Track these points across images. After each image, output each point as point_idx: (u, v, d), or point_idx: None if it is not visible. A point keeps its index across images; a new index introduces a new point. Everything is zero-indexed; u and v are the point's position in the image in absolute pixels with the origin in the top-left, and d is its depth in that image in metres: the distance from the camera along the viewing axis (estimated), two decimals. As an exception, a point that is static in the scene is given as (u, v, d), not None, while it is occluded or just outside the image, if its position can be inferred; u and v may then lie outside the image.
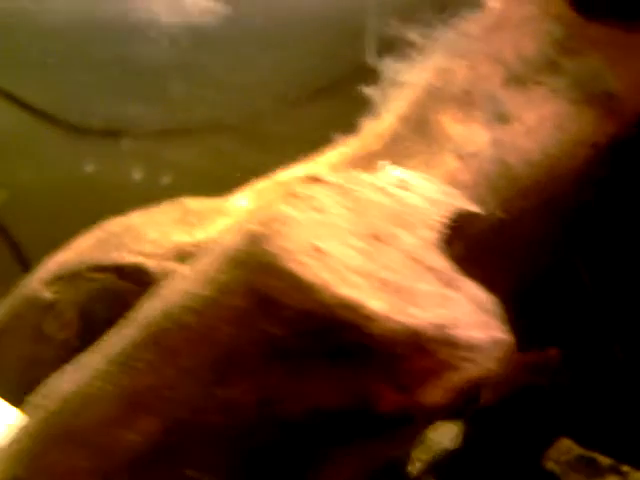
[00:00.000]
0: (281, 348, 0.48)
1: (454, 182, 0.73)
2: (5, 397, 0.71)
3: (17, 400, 0.73)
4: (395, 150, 0.80)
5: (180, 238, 0.77)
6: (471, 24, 0.85)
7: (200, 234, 0.77)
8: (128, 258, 0.76)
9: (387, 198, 0.56)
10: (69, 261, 0.76)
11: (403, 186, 0.59)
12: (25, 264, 1.15)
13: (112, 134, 1.18)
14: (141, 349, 0.51)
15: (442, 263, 0.55)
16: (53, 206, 1.18)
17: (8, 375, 0.74)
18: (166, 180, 1.21)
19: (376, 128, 0.81)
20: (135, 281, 0.76)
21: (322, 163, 0.80)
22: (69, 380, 0.55)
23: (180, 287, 0.54)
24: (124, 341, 0.54)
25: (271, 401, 0.49)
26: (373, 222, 0.54)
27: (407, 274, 0.51)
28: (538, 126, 0.73)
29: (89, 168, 1.19)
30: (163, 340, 0.51)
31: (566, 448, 0.93)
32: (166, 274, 0.77)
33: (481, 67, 0.80)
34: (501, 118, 0.76)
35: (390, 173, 0.61)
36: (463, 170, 0.73)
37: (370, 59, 1.13)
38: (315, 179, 0.57)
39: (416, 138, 0.79)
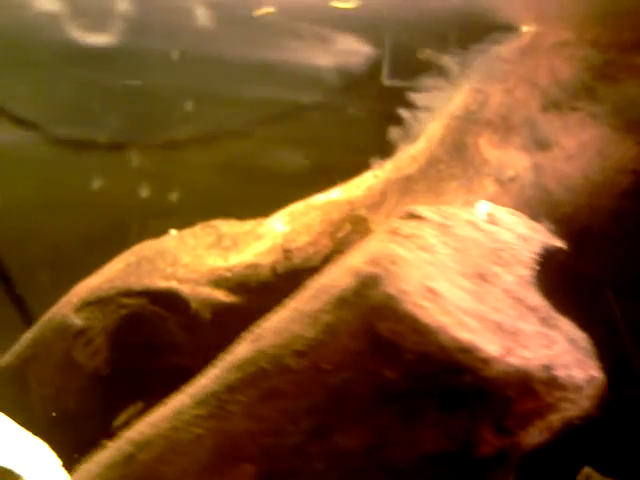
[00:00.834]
0: (393, 392, 0.46)
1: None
2: (32, 428, 0.69)
3: (44, 431, 0.71)
4: (431, 173, 0.79)
5: (214, 262, 0.76)
6: (504, 47, 0.85)
7: (235, 258, 0.76)
8: (160, 283, 0.74)
9: (482, 234, 0.55)
10: (100, 286, 0.74)
11: (493, 221, 0.58)
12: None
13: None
14: (236, 391, 0.49)
15: (540, 301, 0.54)
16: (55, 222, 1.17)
17: (35, 404, 0.72)
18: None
19: (411, 151, 0.80)
20: (168, 306, 0.75)
21: (357, 187, 0.79)
22: (152, 423, 0.52)
23: (275, 326, 0.52)
24: (215, 383, 0.51)
25: (379, 446, 0.47)
26: (475, 261, 0.52)
27: (512, 314, 0.49)
28: (578, 152, 0.73)
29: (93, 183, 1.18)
30: (261, 382, 0.49)
31: (586, 475, 0.92)
32: (200, 299, 0.76)
33: (517, 91, 0.79)
34: (540, 143, 0.76)
35: (480, 208, 0.60)
36: (503, 195, 0.72)
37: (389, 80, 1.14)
38: (414, 215, 0.56)
39: (452, 162, 0.78)
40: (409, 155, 0.79)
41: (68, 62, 1.05)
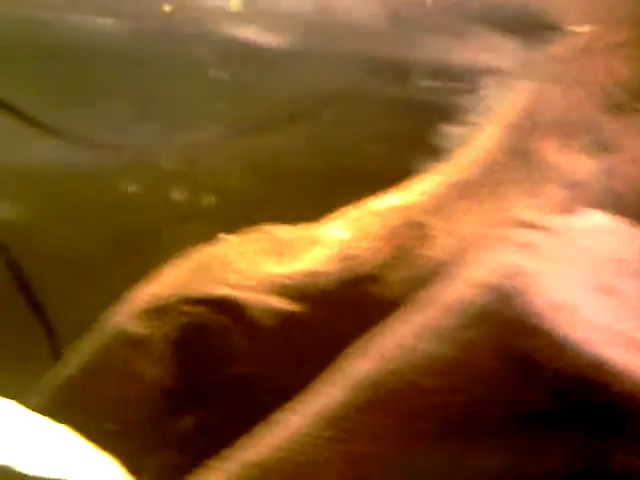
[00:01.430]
0: (529, 410, 0.45)
1: (563, 212, 0.71)
2: (93, 440, 0.67)
3: (105, 443, 0.69)
4: (491, 178, 0.78)
5: (272, 269, 0.74)
6: (560, 48, 0.84)
7: (293, 265, 0.74)
8: (219, 290, 0.73)
9: (596, 244, 0.54)
10: (159, 294, 0.72)
11: (602, 230, 0.56)
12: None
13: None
14: (364, 412, 0.47)
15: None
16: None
17: (94, 416, 0.71)
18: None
19: (469, 155, 0.79)
20: (228, 314, 0.73)
21: (415, 191, 0.78)
22: (270, 445, 0.51)
23: (400, 343, 0.51)
24: (339, 403, 0.49)
25: (513, 467, 0.46)
26: (597, 272, 0.51)
27: (638, 327, 0.48)
28: (644, 155, 0.72)
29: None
30: (392, 404, 0.47)
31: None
32: (260, 307, 0.74)
33: (576, 93, 0.78)
34: (604, 146, 0.74)
35: (589, 217, 0.58)
36: (571, 200, 0.71)
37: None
38: (531, 225, 0.54)
39: (513, 166, 0.77)
40: (467, 159, 0.78)
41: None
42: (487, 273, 0.51)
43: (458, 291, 0.52)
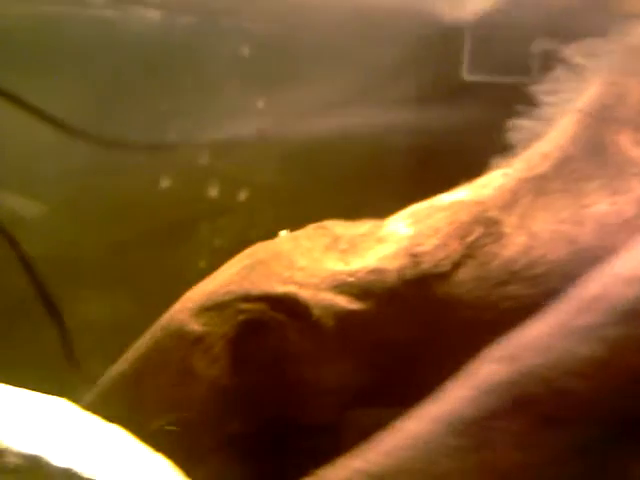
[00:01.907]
0: None
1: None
2: (148, 440, 0.65)
3: (160, 443, 0.67)
4: (565, 172, 0.74)
5: (334, 266, 0.71)
6: (635, 38, 0.80)
7: (357, 262, 0.71)
8: (279, 287, 0.70)
9: None
10: (216, 291, 0.70)
11: None
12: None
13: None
14: (501, 418, 0.44)
15: None
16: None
17: (150, 415, 0.68)
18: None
19: (542, 148, 0.75)
20: (287, 312, 0.70)
21: (485, 186, 0.74)
22: (389, 452, 0.47)
23: (536, 343, 0.47)
24: (470, 408, 0.45)
25: None
26: None
27: None
28: None
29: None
30: (532, 408, 0.43)
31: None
32: (322, 305, 0.71)
33: (656, 85, 0.74)
34: (687, 140, 0.71)
35: None
36: (654, 196, 0.67)
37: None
38: None
39: (588, 160, 0.73)
40: (540, 152, 0.74)
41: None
42: (635, 266, 0.46)
43: (602, 286, 0.47)
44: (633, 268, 0.47)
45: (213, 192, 1.09)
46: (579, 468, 0.42)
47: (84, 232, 1.08)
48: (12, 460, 0.58)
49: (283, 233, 0.77)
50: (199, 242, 1.08)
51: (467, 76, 1.08)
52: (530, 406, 0.43)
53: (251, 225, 1.07)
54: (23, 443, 0.59)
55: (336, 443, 0.72)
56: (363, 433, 0.68)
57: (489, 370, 0.46)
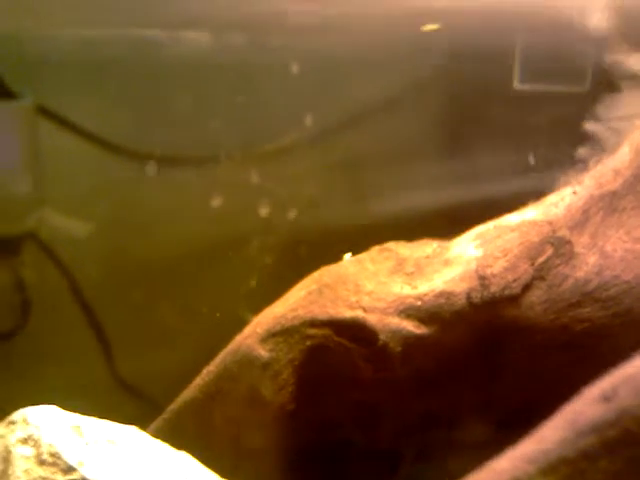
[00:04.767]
0: None
1: None
2: (216, 468, 0.65)
3: (229, 471, 0.67)
4: (638, 189, 0.72)
5: (401, 290, 0.70)
6: None
7: (424, 285, 0.70)
8: (346, 312, 0.70)
9: None
10: (283, 315, 0.70)
11: None
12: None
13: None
14: (595, 459, 0.42)
15: None
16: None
17: (218, 441, 0.68)
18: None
19: (612, 164, 0.73)
20: (353, 337, 0.70)
21: (555, 205, 0.72)
22: None
23: (632, 380, 0.45)
24: (561, 446, 0.44)
25: None
26: None
27: None
28: None
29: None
30: (626, 448, 0.41)
31: None
32: (388, 330, 0.71)
33: None
34: None
35: None
36: None
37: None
38: None
39: (662, 176, 0.71)
40: (611, 168, 0.72)
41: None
42: None
43: None
44: None
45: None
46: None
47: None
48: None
49: (347, 256, 0.77)
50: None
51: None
52: (626, 446, 0.41)
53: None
54: (97, 472, 0.60)
55: (397, 467, 0.71)
56: (427, 457, 0.67)
57: (585, 409, 0.44)
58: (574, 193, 0.72)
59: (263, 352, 0.68)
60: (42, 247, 1.07)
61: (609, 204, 0.70)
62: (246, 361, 0.68)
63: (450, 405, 0.67)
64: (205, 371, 0.70)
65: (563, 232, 0.69)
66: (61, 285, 1.08)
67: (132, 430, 0.64)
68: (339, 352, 0.69)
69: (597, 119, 0.81)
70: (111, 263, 1.08)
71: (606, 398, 0.43)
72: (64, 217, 1.09)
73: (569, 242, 0.69)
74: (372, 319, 0.69)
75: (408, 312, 0.69)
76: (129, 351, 1.09)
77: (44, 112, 1.04)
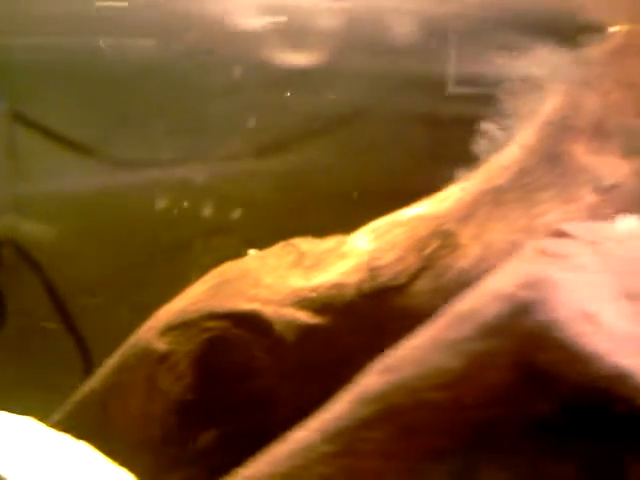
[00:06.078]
0: (542, 426, 0.42)
1: (595, 217, 0.68)
2: (115, 456, 0.67)
3: (127, 459, 0.69)
4: (523, 183, 0.75)
5: (297, 283, 0.73)
6: (596, 49, 0.81)
7: (319, 278, 0.73)
8: (244, 305, 0.72)
9: (629, 249, 0.51)
10: (183, 309, 0.72)
11: (635, 235, 0.53)
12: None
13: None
14: (369, 427, 0.45)
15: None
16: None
17: (119, 433, 0.70)
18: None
19: (500, 160, 0.76)
20: (251, 329, 0.72)
21: (444, 200, 0.75)
22: (274, 461, 0.49)
23: (410, 356, 0.48)
24: (345, 418, 0.47)
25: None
26: (627, 279, 0.48)
27: None
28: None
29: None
30: (397, 418, 0.45)
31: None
32: (284, 321, 0.73)
33: (612, 95, 0.75)
34: (639, 149, 0.71)
35: (622, 223, 0.55)
36: (603, 204, 0.68)
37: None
38: (562, 233, 0.51)
39: (545, 170, 0.74)
40: (499, 164, 0.76)
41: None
42: (505, 283, 0.48)
43: (472, 301, 0.49)
44: (501, 285, 0.48)
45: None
46: (437, 476, 0.44)
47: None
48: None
49: (252, 252, 0.79)
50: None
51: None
52: (396, 416, 0.45)
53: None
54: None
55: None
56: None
57: (367, 381, 0.48)
58: (462, 189, 0.75)
59: (161, 345, 0.70)
60: (19, 251, 1.08)
61: (495, 198, 0.74)
62: (144, 354, 0.70)
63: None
64: (106, 363, 0.73)
65: (449, 225, 0.72)
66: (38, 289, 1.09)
67: (29, 421, 0.66)
68: (237, 343, 0.71)
69: (491, 119, 0.85)
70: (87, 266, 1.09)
71: (388, 370, 0.46)
72: (40, 222, 1.11)
73: (454, 234, 0.72)
74: (268, 311, 0.72)
75: (303, 303, 0.72)
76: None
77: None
